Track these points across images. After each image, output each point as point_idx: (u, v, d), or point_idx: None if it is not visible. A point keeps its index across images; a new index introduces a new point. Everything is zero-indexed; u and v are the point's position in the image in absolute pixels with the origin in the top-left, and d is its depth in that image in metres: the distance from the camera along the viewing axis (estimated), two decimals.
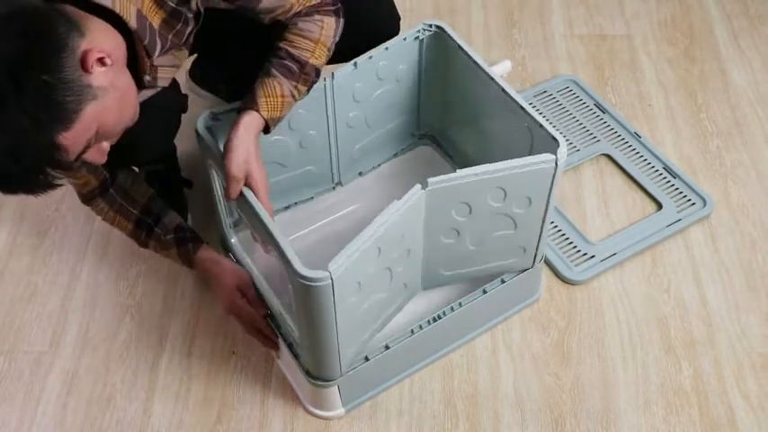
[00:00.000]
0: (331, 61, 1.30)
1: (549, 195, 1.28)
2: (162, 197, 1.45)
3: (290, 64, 1.21)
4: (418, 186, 1.17)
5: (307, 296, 1.14)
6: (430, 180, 1.17)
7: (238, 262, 1.44)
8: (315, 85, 1.27)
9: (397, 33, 1.45)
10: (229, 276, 1.36)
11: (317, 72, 1.24)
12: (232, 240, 1.44)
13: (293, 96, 1.22)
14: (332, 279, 1.11)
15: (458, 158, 1.59)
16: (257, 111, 1.19)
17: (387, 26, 1.46)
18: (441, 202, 1.21)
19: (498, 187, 1.22)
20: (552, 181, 1.25)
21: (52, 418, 1.40)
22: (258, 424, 1.38)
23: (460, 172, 1.19)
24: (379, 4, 1.45)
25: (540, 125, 1.26)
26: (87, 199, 1.38)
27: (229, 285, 1.36)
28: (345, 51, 1.33)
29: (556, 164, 1.22)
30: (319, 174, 1.50)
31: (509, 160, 1.21)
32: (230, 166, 1.18)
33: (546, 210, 1.30)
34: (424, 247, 1.28)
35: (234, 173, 1.18)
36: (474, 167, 1.19)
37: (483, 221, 1.27)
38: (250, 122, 1.19)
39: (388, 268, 1.23)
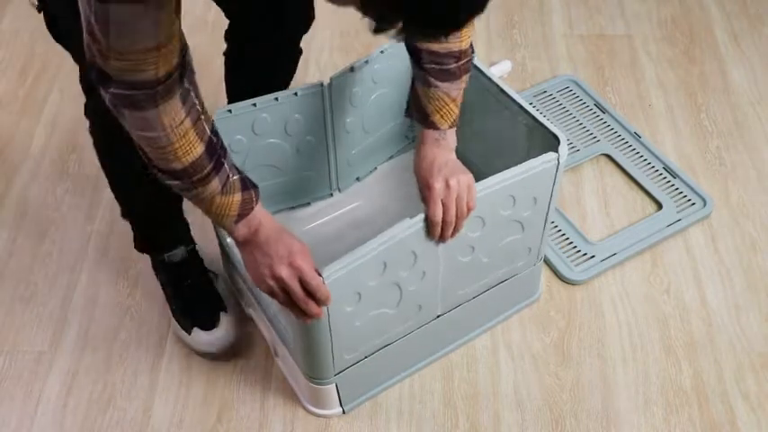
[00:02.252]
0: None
1: (552, 193, 1.28)
2: (197, 284, 1.45)
3: (443, 67, 1.15)
4: None
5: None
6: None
7: (234, 262, 1.44)
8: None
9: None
10: (293, 235, 1.12)
11: (471, 49, 1.17)
12: (228, 240, 1.44)
13: (462, 89, 1.17)
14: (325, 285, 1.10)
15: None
16: (437, 128, 1.15)
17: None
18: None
19: (509, 195, 1.22)
20: (555, 178, 1.26)
21: (52, 418, 1.40)
22: (258, 424, 1.38)
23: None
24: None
25: (540, 123, 1.26)
26: (164, 90, 0.91)
27: (298, 243, 1.10)
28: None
29: (558, 161, 1.23)
30: (317, 179, 1.50)
31: (516, 166, 1.20)
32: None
33: (549, 207, 1.31)
34: (442, 270, 1.27)
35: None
36: (484, 181, 1.19)
37: (495, 231, 1.27)
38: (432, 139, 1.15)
39: (397, 285, 1.22)
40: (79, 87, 1.20)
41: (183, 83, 0.93)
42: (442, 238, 1.17)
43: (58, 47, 1.18)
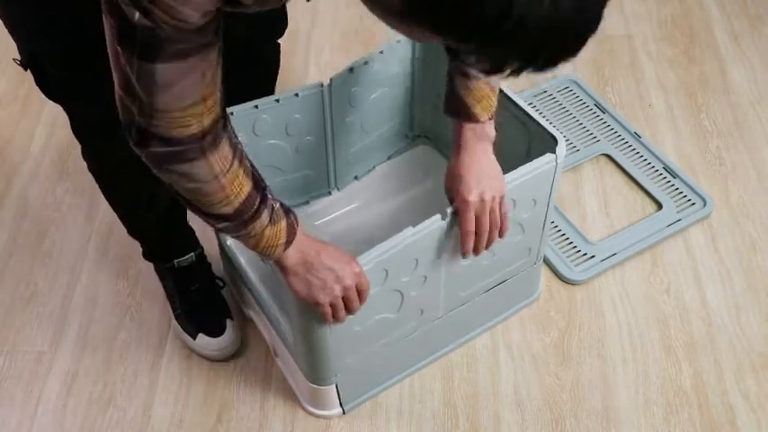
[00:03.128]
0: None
1: (551, 193, 1.28)
2: (203, 290, 1.46)
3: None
4: (437, 217, 1.16)
5: (300, 308, 1.14)
6: (449, 210, 1.16)
7: (234, 263, 1.44)
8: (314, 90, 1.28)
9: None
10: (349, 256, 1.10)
11: None
12: (228, 242, 1.44)
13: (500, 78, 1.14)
14: None
15: None
16: (477, 120, 1.14)
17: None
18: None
19: (509, 199, 1.23)
20: (553, 179, 1.26)
21: (52, 418, 1.40)
22: (258, 424, 1.38)
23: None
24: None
25: (538, 123, 1.27)
26: (211, 140, 0.90)
27: (344, 254, 1.10)
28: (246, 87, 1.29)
29: (556, 162, 1.23)
30: (315, 178, 1.50)
31: (516, 170, 1.21)
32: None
33: (548, 207, 1.31)
34: (444, 274, 1.27)
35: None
36: None
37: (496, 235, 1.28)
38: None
39: (399, 291, 1.22)
40: None
41: (227, 126, 0.92)
42: (475, 251, 1.17)
43: None
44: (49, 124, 1.82)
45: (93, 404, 1.41)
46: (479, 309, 1.42)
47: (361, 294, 1.12)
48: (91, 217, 1.66)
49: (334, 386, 1.33)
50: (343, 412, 1.38)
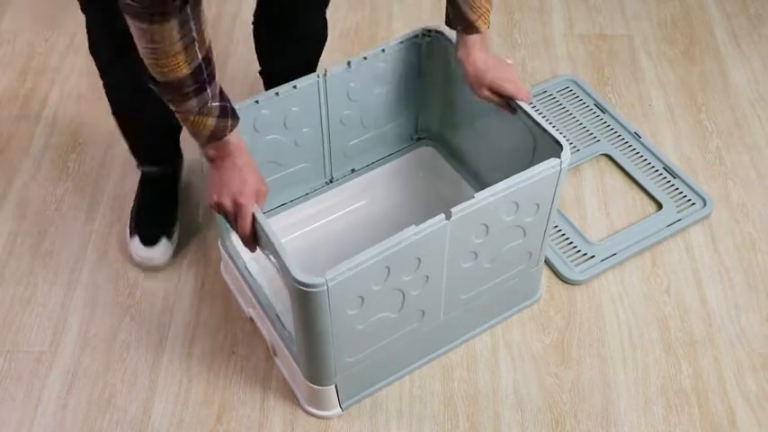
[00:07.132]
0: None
1: (554, 198, 1.28)
2: (156, 202, 1.54)
3: None
4: (441, 216, 1.17)
5: (302, 300, 1.14)
6: (453, 210, 1.17)
7: (236, 262, 1.44)
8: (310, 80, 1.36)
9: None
10: (256, 174, 1.21)
11: None
12: (232, 239, 1.44)
13: None
14: (328, 287, 1.11)
15: (458, 161, 1.59)
16: (480, 32, 1.28)
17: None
18: (461, 228, 1.21)
19: (512, 201, 1.23)
20: (557, 184, 1.26)
21: (52, 418, 1.40)
22: (258, 424, 1.38)
23: (479, 195, 1.19)
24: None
25: (544, 129, 1.27)
26: (161, 13, 1.00)
27: (253, 184, 1.19)
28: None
29: (561, 167, 1.23)
30: (312, 169, 1.51)
31: (520, 173, 1.21)
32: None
33: (550, 212, 1.31)
34: (445, 275, 1.27)
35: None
36: (489, 188, 1.20)
37: (497, 238, 1.28)
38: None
39: (400, 290, 1.22)
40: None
41: (182, 12, 1.00)
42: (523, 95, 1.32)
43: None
44: (49, 124, 1.82)
45: (93, 404, 1.41)
46: (480, 309, 1.42)
47: (240, 222, 1.18)
48: (91, 217, 1.66)
49: (333, 387, 1.33)
50: (342, 410, 1.38)
